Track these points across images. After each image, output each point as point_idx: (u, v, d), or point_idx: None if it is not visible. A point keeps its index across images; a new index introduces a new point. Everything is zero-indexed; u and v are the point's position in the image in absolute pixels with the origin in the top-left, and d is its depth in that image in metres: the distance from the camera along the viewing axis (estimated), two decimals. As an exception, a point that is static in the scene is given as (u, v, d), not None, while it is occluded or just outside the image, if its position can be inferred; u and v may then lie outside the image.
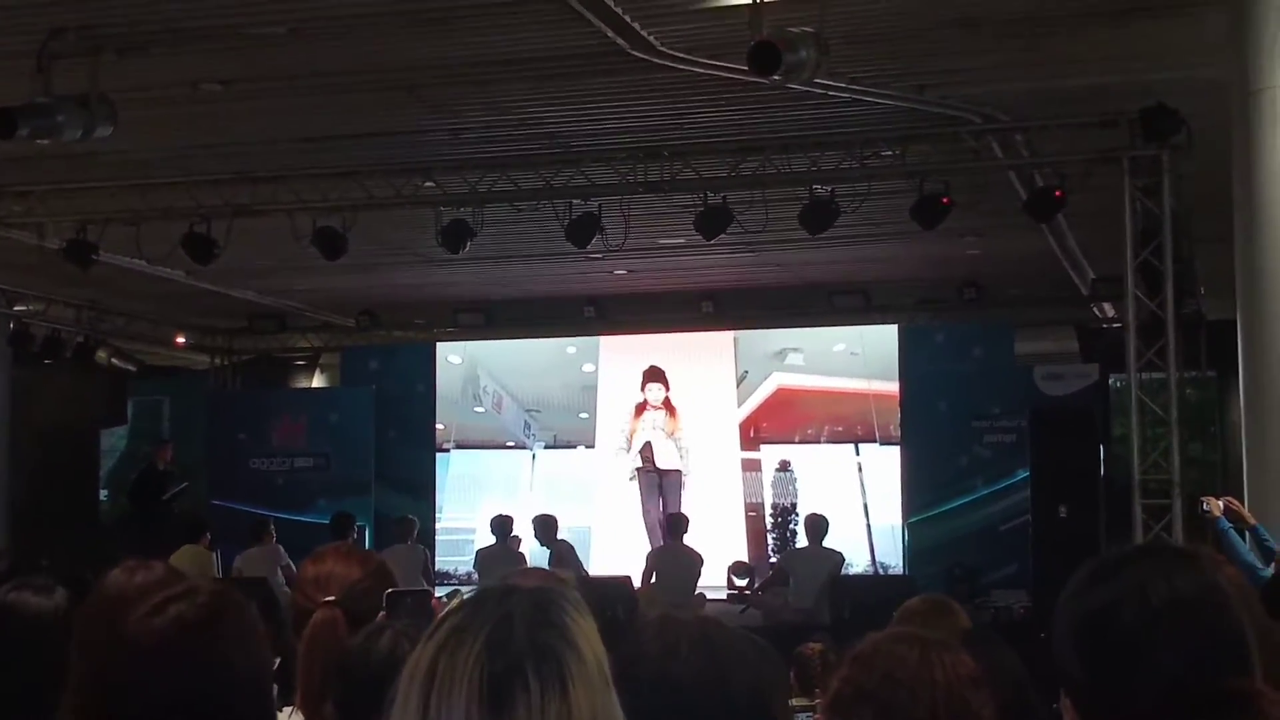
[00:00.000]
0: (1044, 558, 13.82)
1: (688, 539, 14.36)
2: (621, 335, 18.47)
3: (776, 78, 8.00)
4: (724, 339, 18.21)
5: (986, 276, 16.58)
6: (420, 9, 8.58)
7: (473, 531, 17.61)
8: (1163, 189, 10.73)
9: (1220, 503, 8.25)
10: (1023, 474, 15.74)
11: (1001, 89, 10.32)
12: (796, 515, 17.00)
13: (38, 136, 8.99)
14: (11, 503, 17.53)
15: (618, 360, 18.39)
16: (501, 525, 15.19)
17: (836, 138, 11.38)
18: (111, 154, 11.14)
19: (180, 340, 20.13)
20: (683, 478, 17.70)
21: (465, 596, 1.71)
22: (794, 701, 6.04)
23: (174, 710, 2.20)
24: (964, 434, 16.71)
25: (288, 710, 3.05)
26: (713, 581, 14.72)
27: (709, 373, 18.12)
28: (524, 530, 15.44)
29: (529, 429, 18.66)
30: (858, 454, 17.54)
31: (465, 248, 12.62)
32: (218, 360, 20.70)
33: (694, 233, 12.23)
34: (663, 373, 17.96)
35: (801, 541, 15.39)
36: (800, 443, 17.79)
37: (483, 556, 15.21)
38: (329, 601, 3.12)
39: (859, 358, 17.66)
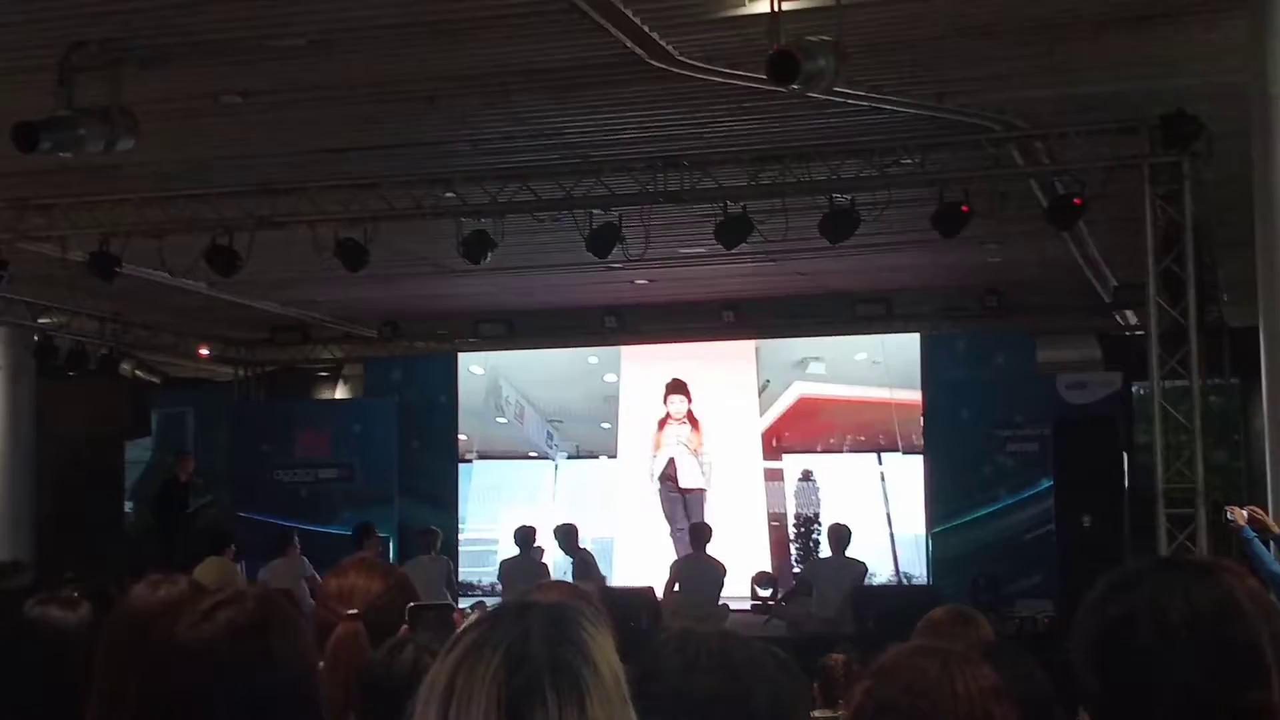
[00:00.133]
0: (1068, 568, 13.77)
1: (710, 549, 14.35)
2: (643, 345, 18.47)
3: (795, 87, 7.99)
4: (745, 348, 18.21)
5: (1008, 284, 16.54)
6: (440, 20, 8.60)
7: (496, 542, 17.63)
8: (1184, 195, 10.69)
9: (1244, 512, 8.22)
10: (1046, 483, 15.71)
11: (1021, 96, 10.30)
12: (819, 525, 17.00)
13: (60, 150, 9.03)
14: (37, 514, 17.60)
15: (639, 370, 18.41)
16: (525, 536, 15.20)
17: (856, 146, 11.37)
18: (133, 167, 11.18)
19: (204, 352, 20.19)
20: (705, 495, 17.69)
21: (483, 612, 1.71)
22: (818, 713, 6.04)
23: (229, 712, 2.22)
24: (987, 443, 16.69)
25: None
26: (736, 592, 14.72)
27: (731, 382, 18.13)
28: (547, 540, 15.46)
29: (551, 439, 18.69)
30: (880, 463, 17.52)
31: (486, 258, 12.64)
32: (241, 372, 20.76)
33: (714, 242, 12.21)
34: (685, 385, 17.97)
35: (824, 551, 15.38)
36: (823, 452, 17.79)
37: (506, 568, 15.22)
38: (351, 615, 3.13)
39: (881, 366, 17.65)
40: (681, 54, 9.05)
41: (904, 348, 17.52)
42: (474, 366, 19.11)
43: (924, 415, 17.27)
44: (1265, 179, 8.57)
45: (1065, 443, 14.81)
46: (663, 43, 8.85)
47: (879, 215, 11.74)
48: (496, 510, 18.33)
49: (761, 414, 18.02)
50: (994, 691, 2.35)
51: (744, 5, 8.27)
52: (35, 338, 17.24)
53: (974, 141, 11.06)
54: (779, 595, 14.90)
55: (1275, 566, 7.89)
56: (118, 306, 17.37)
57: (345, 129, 10.97)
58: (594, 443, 18.52)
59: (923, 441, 17.23)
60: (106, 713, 2.50)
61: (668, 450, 17.90)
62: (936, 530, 16.80)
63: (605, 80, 9.75)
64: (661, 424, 18.03)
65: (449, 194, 12.40)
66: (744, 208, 11.90)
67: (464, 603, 15.97)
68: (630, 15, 8.38)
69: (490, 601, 15.79)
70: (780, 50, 7.82)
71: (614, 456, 18.39)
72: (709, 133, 11.22)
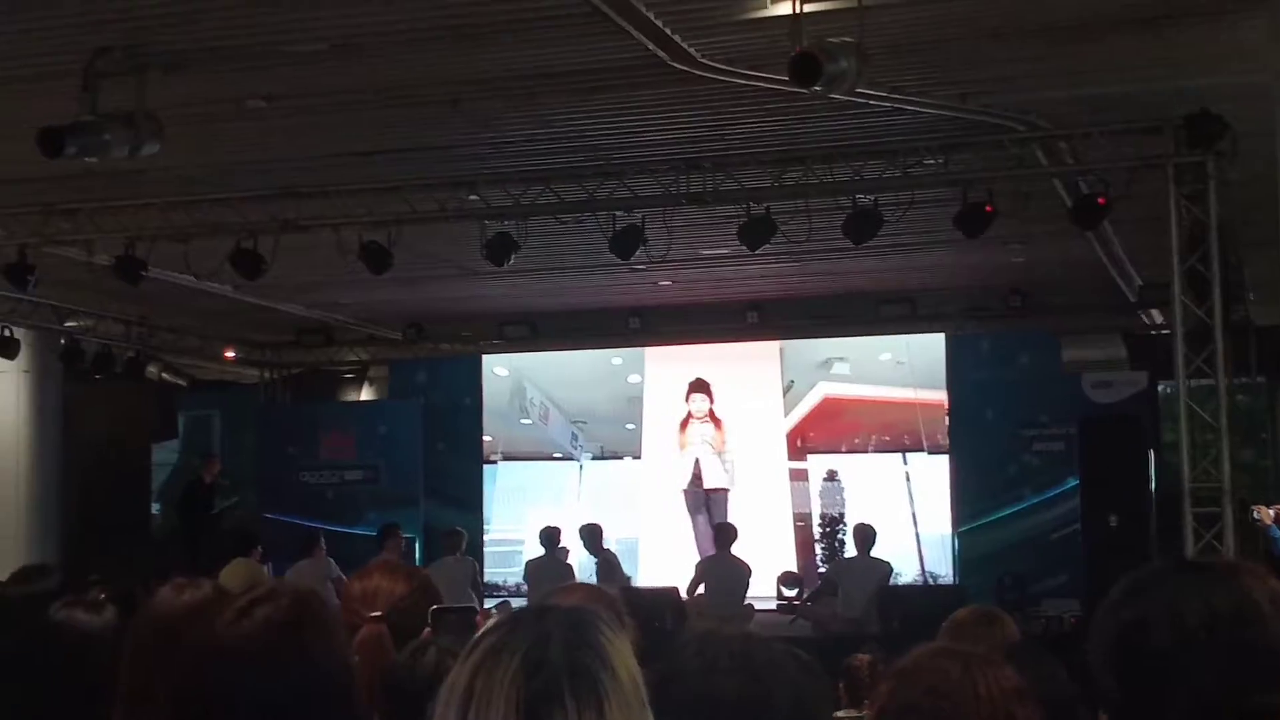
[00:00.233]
0: (1095, 567, 13.74)
1: (736, 549, 14.35)
2: (667, 346, 18.48)
3: (817, 88, 7.99)
4: (770, 349, 18.21)
5: (1032, 284, 16.51)
6: (461, 24, 8.61)
7: (521, 543, 17.66)
8: (1208, 195, 10.66)
9: (1271, 511, 8.21)
10: (1072, 482, 15.68)
11: (1044, 96, 10.27)
12: (844, 525, 16.99)
13: (85, 155, 9.06)
14: (64, 517, 17.68)
15: (663, 371, 18.43)
16: (550, 536, 15.23)
17: (879, 147, 11.35)
18: (158, 171, 11.21)
19: (229, 354, 20.26)
20: (728, 496, 17.69)
21: (501, 616, 1.72)
22: (843, 714, 6.04)
23: (269, 708, 2.25)
24: (1012, 443, 16.66)
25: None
26: (761, 592, 14.72)
27: (755, 383, 18.14)
28: (572, 541, 15.48)
29: (576, 440, 18.72)
30: (905, 463, 17.50)
31: (510, 260, 12.65)
32: (267, 374, 20.82)
33: (738, 243, 12.21)
34: (707, 384, 17.97)
35: (850, 551, 15.37)
36: (847, 452, 17.77)
37: (532, 568, 15.26)
38: (375, 617, 3.15)
39: (905, 367, 17.64)
40: (703, 56, 9.05)
41: (928, 348, 17.50)
42: (498, 368, 19.15)
43: (949, 415, 17.24)
44: (1290, 177, 8.54)
45: (1091, 442, 14.77)
46: (685, 45, 8.85)
47: (902, 216, 11.73)
48: (522, 511, 18.37)
49: (786, 414, 18.02)
50: (1016, 693, 2.35)
51: (766, 7, 8.27)
52: (62, 341, 17.32)
53: (997, 142, 11.04)
54: (804, 595, 14.90)
55: (1302, 566, 7.86)
56: (144, 310, 17.45)
57: (368, 133, 11.00)
58: (618, 444, 18.54)
59: (948, 441, 17.20)
60: (132, 715, 2.52)
61: (693, 450, 17.91)
62: (962, 530, 16.77)
63: (628, 83, 9.76)
64: (684, 424, 18.03)
65: (472, 197, 12.41)
66: (767, 209, 11.89)
67: (489, 603, 16.03)
68: (652, 18, 8.38)
69: (516, 602, 15.83)
70: (802, 52, 7.81)
71: (638, 457, 18.40)
72: (731, 134, 11.21)
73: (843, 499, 17.58)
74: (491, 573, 17.79)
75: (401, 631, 3.08)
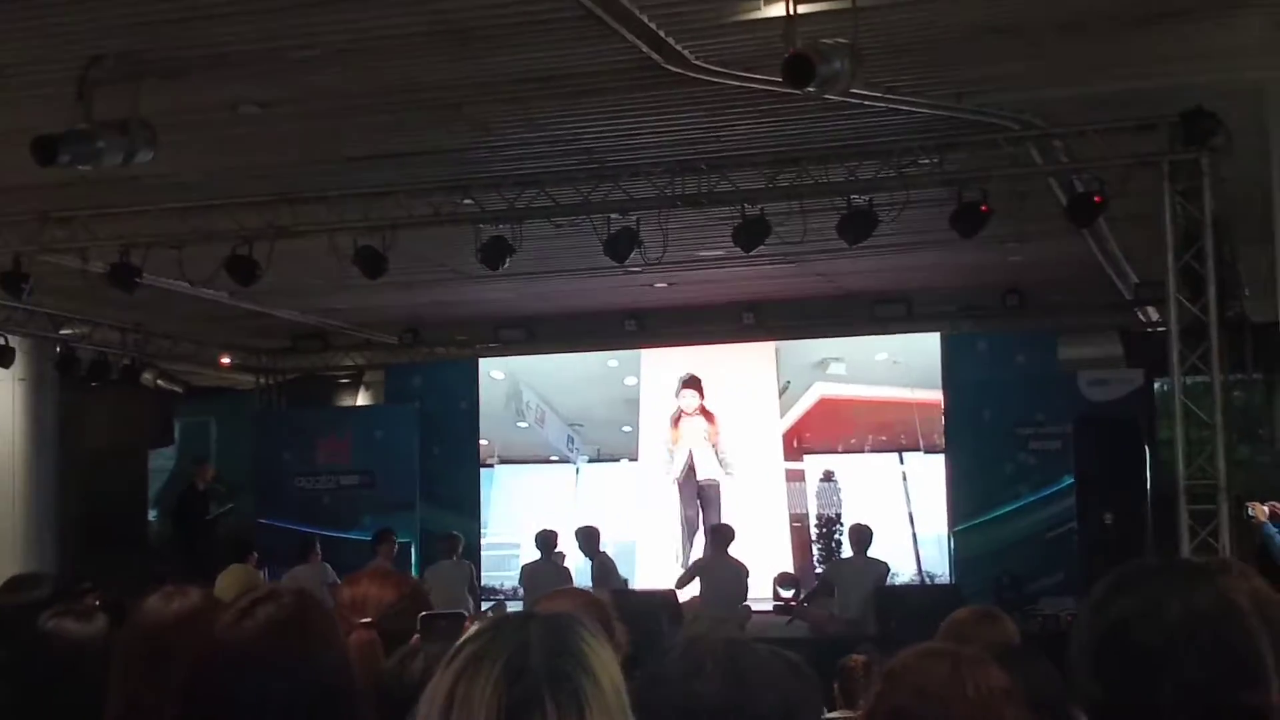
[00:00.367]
0: (1090, 565, 13.74)
1: (733, 550, 14.34)
2: (663, 348, 18.48)
3: (811, 89, 7.99)
4: (765, 350, 18.20)
5: (1028, 283, 16.51)
6: (454, 28, 8.61)
7: (517, 546, 17.64)
8: (1203, 192, 10.66)
9: (1266, 508, 8.20)
10: (1068, 480, 15.68)
11: (1039, 95, 10.27)
12: (841, 525, 16.98)
13: (79, 163, 9.06)
14: (61, 525, 17.67)
15: (660, 373, 18.42)
16: (546, 540, 15.22)
17: (874, 147, 11.35)
18: (153, 178, 11.22)
19: (225, 361, 20.25)
20: (720, 488, 17.68)
21: (483, 623, 1.72)
22: (838, 714, 6.04)
23: (273, 707, 2.25)
24: (1008, 441, 16.66)
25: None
26: (758, 593, 14.71)
27: (751, 384, 18.12)
28: (569, 544, 15.47)
29: (572, 443, 18.70)
30: (902, 463, 17.50)
31: (505, 264, 12.65)
32: (263, 380, 20.81)
33: (733, 245, 12.21)
34: (698, 380, 17.96)
35: (846, 552, 15.37)
36: (844, 452, 17.76)
37: (528, 572, 15.25)
38: (365, 624, 3.15)
39: (901, 366, 17.63)
40: (697, 58, 9.06)
41: (924, 347, 17.50)
42: (494, 372, 19.14)
43: (945, 414, 17.24)
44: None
45: (1086, 440, 14.78)
46: (678, 47, 8.85)
47: (897, 216, 11.73)
48: (518, 515, 18.34)
49: (782, 415, 18.01)
50: (1005, 693, 2.35)
51: (759, 8, 8.27)
52: (57, 349, 17.30)
53: (992, 141, 11.04)
54: (801, 596, 14.89)
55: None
56: (139, 317, 17.44)
57: (363, 138, 11.00)
58: (615, 446, 18.52)
59: (944, 441, 17.21)
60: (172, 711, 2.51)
61: (686, 444, 17.88)
62: (959, 529, 16.77)
63: (622, 86, 9.76)
64: (676, 420, 18.01)
65: (467, 201, 12.41)
66: (761, 210, 11.89)
67: (486, 606, 16.04)
68: (646, 20, 8.39)
69: (512, 606, 15.83)
70: (796, 53, 7.81)
71: (635, 460, 18.39)
72: (726, 136, 11.21)
73: (839, 499, 17.57)
74: (488, 576, 17.78)
75: (391, 638, 3.08)
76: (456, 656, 1.64)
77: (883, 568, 14.24)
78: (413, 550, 17.92)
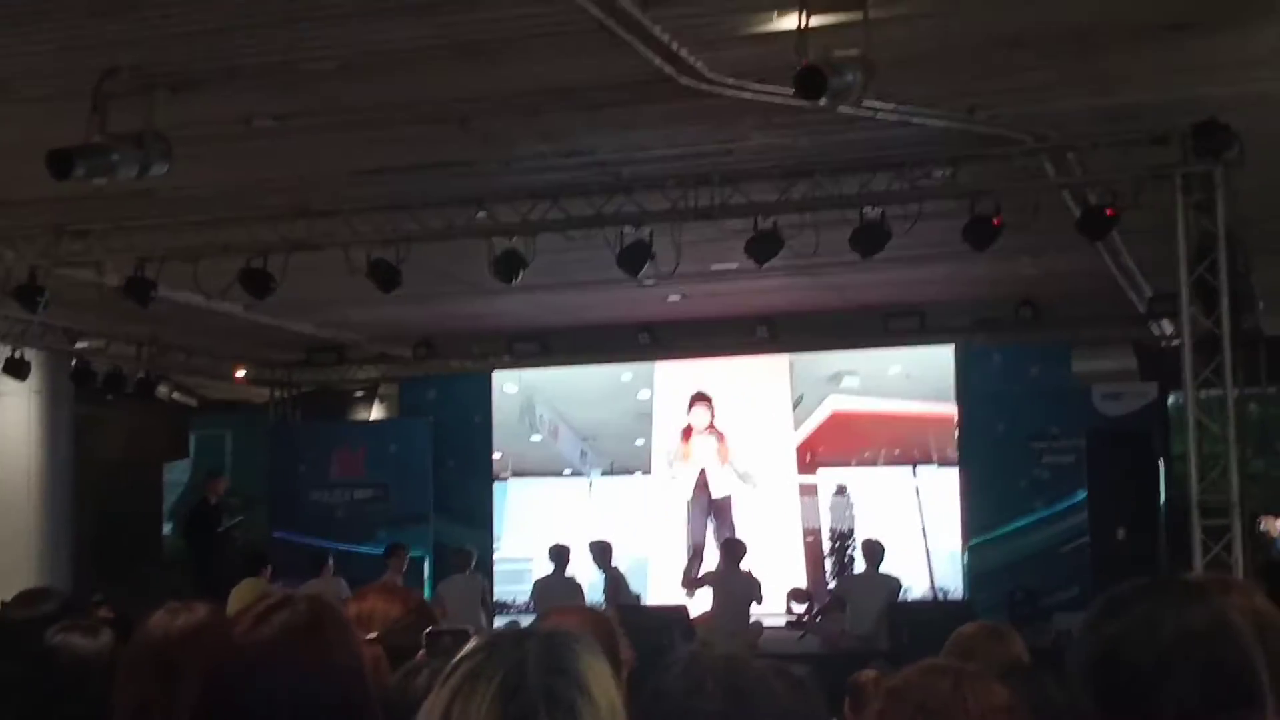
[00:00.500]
0: (1104, 581, 13.67)
1: (745, 564, 14.33)
2: (676, 361, 18.47)
3: (823, 102, 7.99)
4: (779, 363, 18.18)
5: (1042, 296, 16.47)
6: (469, 41, 8.63)
7: (530, 560, 17.63)
8: (1216, 205, 10.63)
9: (1278, 523, 8.17)
10: (1083, 494, 15.62)
11: (1052, 108, 10.26)
12: (854, 540, 16.94)
13: (93, 176, 9.09)
14: (76, 538, 17.70)
15: (673, 386, 18.40)
16: (559, 554, 15.22)
17: (886, 160, 11.34)
18: (167, 191, 11.25)
19: (240, 374, 20.28)
20: (732, 502, 17.65)
21: (479, 640, 1.72)
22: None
23: (286, 712, 2.25)
24: (1022, 455, 16.62)
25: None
26: (771, 608, 14.69)
27: (764, 397, 18.11)
28: (582, 557, 15.46)
29: (586, 457, 18.69)
30: (915, 477, 17.46)
31: (518, 277, 12.66)
32: (277, 393, 20.83)
33: (746, 258, 12.20)
34: (708, 397, 17.93)
35: (859, 567, 15.34)
36: (857, 466, 17.73)
37: (540, 587, 15.25)
38: (371, 639, 3.15)
39: (915, 380, 17.60)
40: (710, 71, 9.06)
41: (938, 361, 17.47)
42: (508, 385, 19.14)
43: (959, 428, 17.21)
44: (1297, 187, 8.52)
45: (1099, 454, 14.73)
46: (691, 60, 8.86)
47: (910, 228, 11.71)
48: (531, 528, 18.33)
49: (795, 429, 17.99)
50: (1006, 709, 2.34)
51: (772, 21, 8.28)
52: (73, 362, 17.34)
53: (1005, 154, 11.03)
54: (814, 611, 14.87)
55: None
56: (154, 330, 17.48)
57: (377, 151, 11.01)
58: (628, 460, 18.51)
59: (958, 454, 17.17)
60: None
61: (696, 462, 17.85)
62: (973, 543, 16.73)
63: (635, 98, 9.76)
64: (686, 435, 17.99)
65: (481, 214, 12.43)
66: (774, 223, 11.88)
67: (499, 621, 16.02)
68: (658, 33, 8.40)
69: (525, 620, 15.82)
70: (807, 66, 7.82)
71: (648, 473, 18.38)
72: (738, 148, 11.21)
73: (852, 514, 17.54)
74: (501, 590, 17.76)
75: (397, 653, 3.09)
76: (453, 674, 1.64)
77: (895, 583, 14.22)
78: (426, 564, 17.92)
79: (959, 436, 17.17)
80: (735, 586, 14.09)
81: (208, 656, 2.42)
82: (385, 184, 11.90)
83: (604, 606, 13.65)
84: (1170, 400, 15.72)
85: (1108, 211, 11.06)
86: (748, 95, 9.47)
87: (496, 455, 18.87)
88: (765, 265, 12.24)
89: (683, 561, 17.16)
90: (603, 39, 8.44)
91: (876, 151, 11.23)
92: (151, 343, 18.20)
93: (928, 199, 11.53)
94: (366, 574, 14.05)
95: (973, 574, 16.61)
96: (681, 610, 13.34)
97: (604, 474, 18.59)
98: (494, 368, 19.17)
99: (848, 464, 17.78)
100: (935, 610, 15.08)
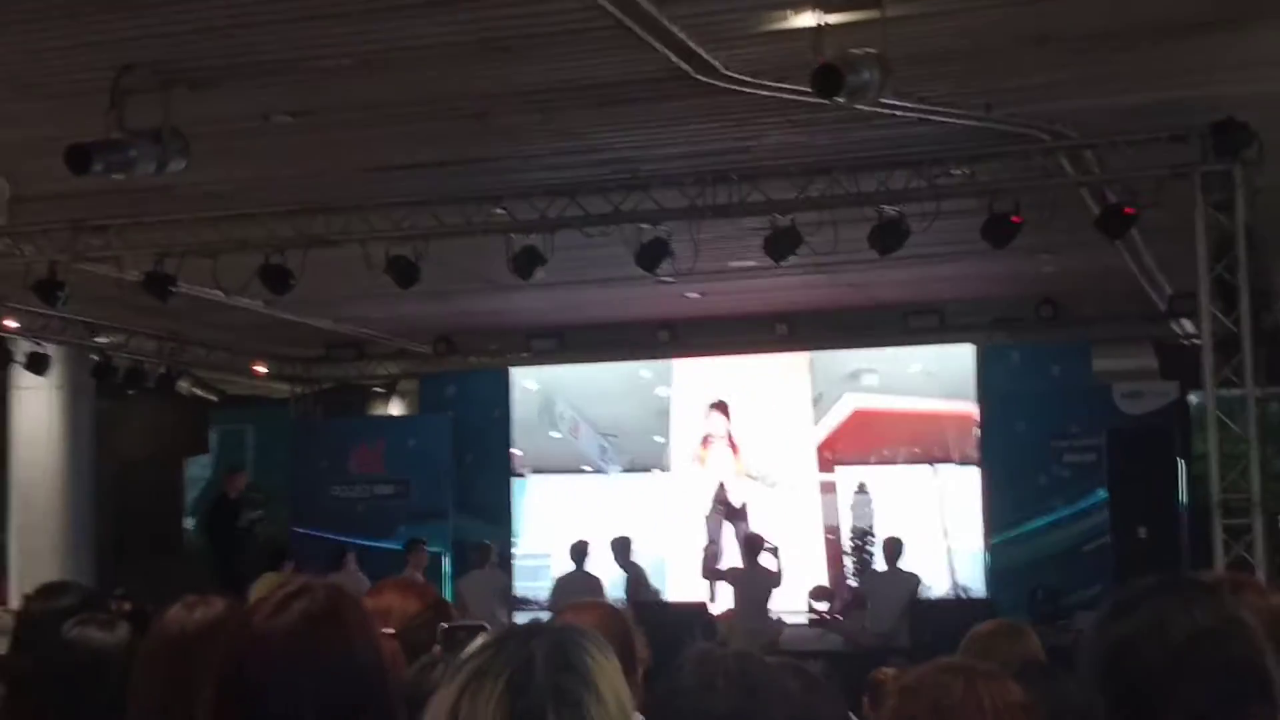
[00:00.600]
0: (1124, 579, 13.64)
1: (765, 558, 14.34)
2: (695, 358, 18.46)
3: (840, 99, 7.99)
4: (799, 361, 18.17)
5: (1062, 294, 16.44)
6: (487, 38, 8.64)
7: (549, 556, 17.65)
8: (1235, 203, 10.59)
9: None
10: (1103, 493, 15.60)
11: (1070, 105, 10.24)
12: (874, 538, 16.93)
13: (112, 171, 9.12)
14: (97, 533, 17.75)
15: (692, 384, 18.41)
16: (579, 551, 15.23)
17: (905, 157, 11.31)
18: (186, 187, 11.27)
19: (260, 369, 20.32)
20: (748, 508, 17.68)
21: (488, 637, 1.72)
22: (866, 727, 6.02)
23: (306, 700, 2.26)
24: (1043, 454, 16.59)
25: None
26: (792, 606, 14.69)
27: (784, 395, 18.10)
28: (603, 553, 15.47)
29: (605, 453, 18.70)
30: (935, 475, 17.44)
31: (536, 274, 12.66)
32: (298, 389, 20.87)
33: (764, 255, 12.19)
34: (725, 405, 17.96)
35: (879, 565, 15.33)
36: (877, 464, 17.71)
37: (560, 584, 15.26)
38: (388, 633, 3.15)
39: (935, 378, 17.58)
40: (728, 68, 9.05)
41: (958, 359, 17.44)
42: (527, 381, 19.16)
43: (979, 426, 17.18)
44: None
45: (1120, 453, 14.70)
46: (709, 57, 8.86)
47: (929, 226, 11.69)
48: (551, 525, 18.36)
49: (815, 426, 17.97)
50: (1021, 707, 2.34)
51: (789, 19, 8.27)
52: (93, 357, 17.40)
53: (1023, 151, 11.00)
54: (835, 609, 14.86)
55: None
56: (174, 325, 17.51)
57: (395, 147, 11.03)
58: (647, 457, 18.52)
59: (978, 453, 17.14)
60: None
61: (714, 470, 17.88)
62: (995, 542, 16.71)
63: (653, 95, 9.77)
64: (705, 441, 18.01)
65: (499, 210, 12.43)
66: (792, 220, 11.87)
67: (519, 617, 16.03)
68: (676, 31, 8.39)
69: (545, 616, 15.83)
70: (825, 63, 7.82)
71: (667, 470, 18.39)
72: (756, 146, 11.20)
73: (872, 511, 17.53)
74: (521, 586, 17.80)
75: (413, 648, 3.09)
76: (461, 670, 1.64)
77: (914, 581, 14.21)
78: (445, 560, 17.94)
79: (979, 435, 17.14)
80: (754, 581, 14.09)
81: (236, 637, 2.42)
82: (403, 180, 11.91)
83: (625, 603, 13.67)
84: (1191, 399, 15.68)
85: (1126, 210, 11.02)
86: (765, 93, 9.45)
87: (516, 452, 18.89)
88: (784, 263, 12.23)
89: (699, 561, 17.18)
90: (620, 36, 8.45)
91: (895, 149, 11.20)
92: (172, 338, 18.24)
93: (946, 197, 11.50)
94: (386, 569, 14.07)
95: (994, 572, 16.60)
96: (702, 607, 13.34)
97: (624, 471, 18.59)
98: (513, 364, 19.19)
99: (867, 462, 17.77)
100: (956, 608, 15.07)
